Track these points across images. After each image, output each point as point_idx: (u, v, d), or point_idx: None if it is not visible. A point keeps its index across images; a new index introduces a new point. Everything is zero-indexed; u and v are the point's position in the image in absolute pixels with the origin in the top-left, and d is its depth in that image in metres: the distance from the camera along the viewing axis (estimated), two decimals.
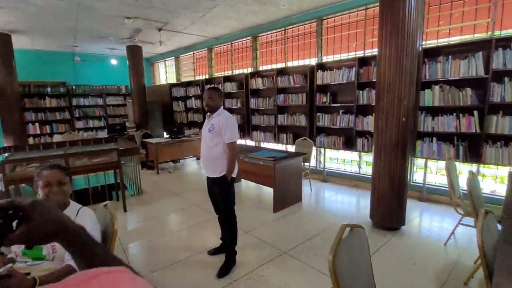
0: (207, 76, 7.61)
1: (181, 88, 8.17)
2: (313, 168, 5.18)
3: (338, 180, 4.91)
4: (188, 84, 7.93)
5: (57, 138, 6.96)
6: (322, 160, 5.19)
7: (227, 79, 6.61)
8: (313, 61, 5.15)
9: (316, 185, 4.79)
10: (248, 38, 6.36)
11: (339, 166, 5.27)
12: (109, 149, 3.89)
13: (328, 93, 4.67)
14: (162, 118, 8.29)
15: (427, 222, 3.40)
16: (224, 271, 2.33)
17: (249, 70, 6.34)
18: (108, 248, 1.52)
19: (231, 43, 6.83)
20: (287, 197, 3.75)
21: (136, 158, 4.84)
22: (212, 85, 2.50)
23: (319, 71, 4.72)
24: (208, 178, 2.46)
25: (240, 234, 2.91)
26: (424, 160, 3.92)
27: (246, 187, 4.78)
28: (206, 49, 7.53)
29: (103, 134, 7.86)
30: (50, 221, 0.50)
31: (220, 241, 2.68)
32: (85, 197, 4.21)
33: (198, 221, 3.39)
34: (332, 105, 4.66)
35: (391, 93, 2.82)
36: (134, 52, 7.24)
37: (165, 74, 9.65)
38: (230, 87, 6.48)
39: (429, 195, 3.93)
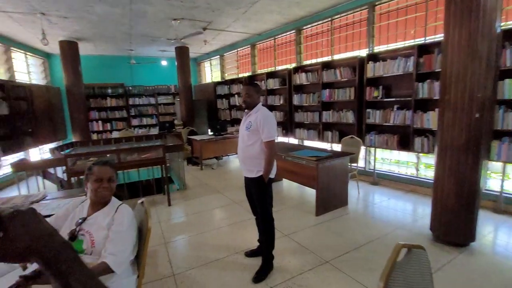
0: (250, 73, 7.59)
1: (225, 86, 8.30)
2: (362, 169, 4.76)
3: (391, 183, 4.42)
4: (232, 81, 8.01)
5: (115, 134, 7.66)
6: (372, 160, 4.74)
7: (270, 75, 6.48)
8: (363, 52, 4.71)
9: (365, 188, 4.39)
10: (292, 32, 6.13)
11: (391, 168, 4.76)
12: (155, 145, 4.08)
13: (380, 87, 4.22)
14: (207, 116, 8.55)
15: (503, 239, 2.83)
16: (260, 275, 2.22)
17: (293, 65, 6.11)
18: (141, 248, 1.52)
19: (274, 38, 6.67)
20: (331, 200, 3.48)
21: (182, 154, 5.02)
22: (251, 81, 2.37)
23: (369, 62, 4.29)
24: (244, 177, 2.37)
25: (279, 236, 2.78)
26: (501, 164, 3.27)
27: (287, 187, 4.60)
28: (249, 46, 7.50)
29: (155, 131, 8.43)
30: (29, 235, 0.43)
31: (258, 244, 2.57)
32: (136, 190, 4.52)
33: (238, 220, 3.34)
34: (385, 100, 4.20)
35: (461, 84, 2.37)
36: (181, 52, 7.56)
37: (210, 72, 9.93)
38: (272, 84, 6.34)
39: (507, 205, 3.28)
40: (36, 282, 1.05)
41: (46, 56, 7.76)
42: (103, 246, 1.35)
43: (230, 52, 8.48)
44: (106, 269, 1.27)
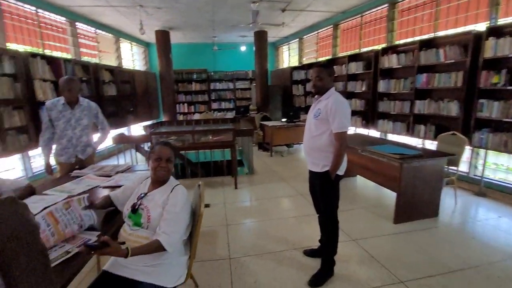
0: (330, 57, 7.00)
1: (301, 71, 7.94)
2: (464, 174, 3.85)
3: (504, 197, 3.42)
4: (309, 66, 7.58)
5: (196, 116, 8.35)
6: (479, 165, 3.77)
7: (353, 58, 5.81)
8: (481, 26, 3.66)
9: (465, 198, 3.53)
10: (384, 6, 5.27)
11: (508, 177, 3.67)
12: (226, 128, 4.19)
13: (503, 71, 3.20)
14: (282, 102, 8.41)
15: None
16: (317, 280, 2.00)
17: (381, 46, 5.29)
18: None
19: (361, 15, 5.90)
20: (416, 207, 2.90)
21: (252, 139, 5.05)
22: (322, 63, 2.06)
23: (490, 39, 3.28)
24: (309, 171, 2.14)
25: (344, 240, 2.48)
26: None
27: (362, 184, 4.11)
28: (331, 26, 6.88)
29: (231, 115, 8.82)
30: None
31: (319, 244, 2.34)
32: (207, 169, 4.81)
33: (301, 214, 3.15)
34: (508, 88, 3.18)
35: None
36: (260, 37, 7.53)
37: (288, 57, 9.66)
38: (355, 68, 5.68)
39: None
40: (98, 252, 1.13)
41: (146, 45, 8.94)
42: (158, 223, 1.39)
43: (309, 35, 8.01)
44: (159, 247, 1.29)
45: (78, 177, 2.35)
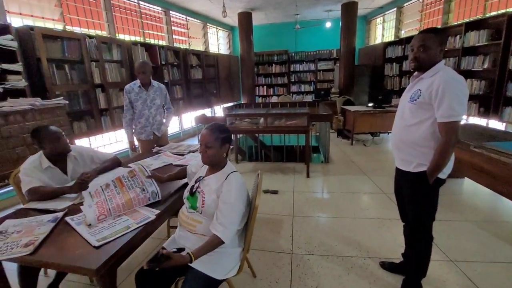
0: (439, 27, 5.65)
1: (398, 47, 6.75)
2: None
3: None
4: (408, 40, 6.34)
5: (274, 99, 8.25)
6: None
7: (473, 26, 4.50)
8: None
9: None
10: None
11: None
12: (300, 112, 3.90)
13: None
14: (369, 84, 7.44)
15: None
16: None
17: None
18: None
19: None
20: None
21: (330, 125, 4.62)
22: (431, 28, 1.52)
23: None
24: (396, 168, 1.70)
25: (439, 259, 1.97)
26: None
27: (471, 190, 3.23)
28: None
29: (310, 98, 8.38)
30: None
31: (402, 259, 1.91)
32: (280, 154, 4.68)
33: (382, 216, 2.68)
34: None
35: None
36: (348, 9, 6.69)
37: (381, 31, 8.36)
38: (474, 39, 4.41)
39: None
40: (163, 266, 1.07)
41: (230, 29, 9.20)
42: (211, 210, 1.32)
43: (411, 2, 6.64)
44: (219, 242, 1.25)
45: (157, 153, 2.56)
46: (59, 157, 1.79)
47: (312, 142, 5.24)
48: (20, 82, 2.99)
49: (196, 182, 1.46)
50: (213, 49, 8.27)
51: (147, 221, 1.33)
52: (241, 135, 5.15)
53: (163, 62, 5.24)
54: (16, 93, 2.96)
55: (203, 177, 1.46)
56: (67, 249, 1.15)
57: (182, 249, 1.18)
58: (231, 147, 2.56)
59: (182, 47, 6.15)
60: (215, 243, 1.25)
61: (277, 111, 4.52)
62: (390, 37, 7.76)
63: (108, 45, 4.15)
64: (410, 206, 1.60)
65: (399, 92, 6.58)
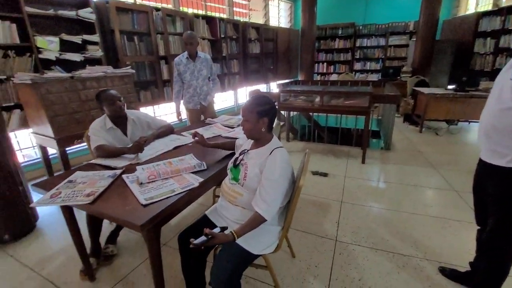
0: None
1: (496, 18, 5.50)
2: None
3: None
4: (511, 10, 5.09)
5: (334, 77, 7.69)
6: None
7: None
8: None
9: None
10: None
11: None
12: (361, 92, 3.52)
13: None
14: (452, 63, 6.33)
15: None
16: None
17: None
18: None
19: None
20: None
21: (395, 108, 4.11)
22: None
23: None
24: (481, 161, 1.39)
25: None
26: None
27: None
28: None
29: (376, 77, 7.57)
30: None
31: (468, 268, 1.62)
32: (335, 136, 4.40)
33: (449, 216, 2.32)
34: None
35: None
36: None
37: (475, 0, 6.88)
38: None
39: None
40: (208, 245, 1.09)
41: (293, 0, 8.67)
42: (253, 184, 1.29)
43: None
44: (261, 220, 1.22)
45: (209, 124, 2.62)
46: (119, 120, 1.95)
47: (372, 126, 4.79)
48: (97, 52, 3.33)
49: (240, 154, 1.43)
50: (273, 22, 7.97)
51: (191, 188, 1.36)
52: (294, 113, 4.98)
53: (222, 36, 5.26)
54: (94, 62, 3.31)
55: (248, 150, 1.42)
56: (120, 203, 1.25)
57: (225, 228, 1.18)
58: (282, 123, 2.44)
59: (241, 20, 6.06)
60: (257, 221, 1.21)
61: (335, 89, 4.17)
62: (486, 6, 6.35)
63: (172, 17, 4.30)
64: (495, 208, 1.30)
65: (491, 74, 5.44)
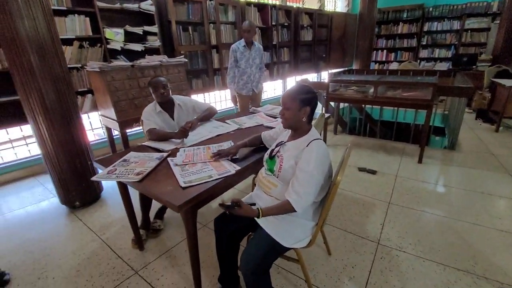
0: None
1: None
2: None
3: None
4: None
5: (393, 66, 6.99)
6: None
7: None
8: None
9: None
10: None
11: None
12: (424, 82, 3.13)
13: None
14: None
15: None
16: None
17: None
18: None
19: None
20: None
21: (467, 102, 3.58)
22: None
23: None
24: None
25: None
26: None
27: None
28: None
29: (444, 66, 6.66)
30: None
31: None
32: (389, 130, 4.05)
33: None
34: None
35: None
36: None
37: None
38: None
39: None
40: (232, 212, 1.17)
41: None
42: (288, 175, 1.26)
43: None
44: (290, 209, 1.20)
45: (253, 113, 2.63)
46: (166, 105, 2.11)
47: (436, 121, 4.27)
48: (155, 42, 3.58)
49: (277, 146, 1.41)
50: (329, 7, 7.53)
51: (227, 175, 1.40)
52: (344, 104, 4.71)
53: (273, 23, 5.17)
54: (152, 51, 3.57)
55: (285, 142, 1.39)
56: (162, 184, 1.35)
57: (253, 204, 1.20)
58: (328, 115, 2.33)
59: (294, 6, 5.85)
60: (285, 208, 1.20)
61: (392, 79, 3.80)
62: None
63: (224, 6, 4.37)
64: None
65: None
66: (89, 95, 3.23)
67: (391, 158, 3.30)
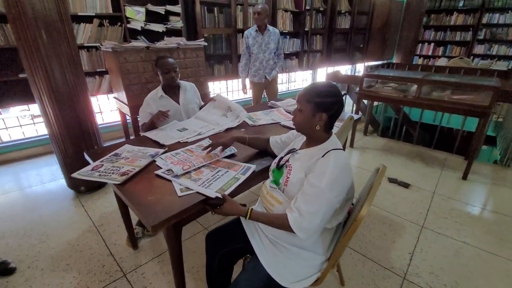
0: None
1: None
2: None
3: None
4: None
5: (441, 62, 6.20)
6: None
7: None
8: None
9: None
10: None
11: None
12: (483, 85, 2.60)
13: None
14: None
15: None
16: None
17: None
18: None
19: None
20: None
21: None
22: None
23: None
24: None
25: None
26: None
27: None
28: None
29: (502, 66, 5.77)
30: None
31: None
32: (430, 136, 3.54)
33: None
34: None
35: None
36: None
37: None
38: None
39: None
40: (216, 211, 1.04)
41: None
42: (294, 190, 1.00)
43: None
44: (285, 225, 0.94)
45: (271, 108, 2.35)
46: (171, 88, 1.96)
47: (476, 128, 3.68)
48: (178, 23, 3.36)
49: (286, 154, 1.13)
50: None
51: (251, 172, 1.26)
52: (378, 102, 4.22)
53: (307, 8, 4.72)
54: (174, 33, 3.37)
55: (297, 149, 1.11)
56: (149, 190, 1.14)
57: (244, 205, 1.05)
58: (358, 117, 1.98)
59: None
60: (280, 222, 0.96)
61: (441, 78, 3.27)
62: None
63: None
64: None
65: None
66: (107, 76, 3.13)
67: (428, 170, 2.85)
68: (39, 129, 3.31)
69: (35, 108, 3.21)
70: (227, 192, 1.09)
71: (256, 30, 3.09)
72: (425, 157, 3.17)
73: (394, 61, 6.49)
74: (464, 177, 2.67)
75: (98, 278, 1.59)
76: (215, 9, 3.69)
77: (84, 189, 2.39)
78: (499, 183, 2.63)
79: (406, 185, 2.52)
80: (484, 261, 1.71)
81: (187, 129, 1.80)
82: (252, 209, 1.02)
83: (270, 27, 3.14)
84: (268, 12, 3.17)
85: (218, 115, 1.97)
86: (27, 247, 1.83)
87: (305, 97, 1.01)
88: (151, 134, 1.72)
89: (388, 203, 2.27)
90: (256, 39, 3.11)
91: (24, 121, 3.27)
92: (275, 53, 3.24)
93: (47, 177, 2.72)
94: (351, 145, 3.43)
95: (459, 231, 1.96)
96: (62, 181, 2.59)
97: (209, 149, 1.37)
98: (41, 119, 3.28)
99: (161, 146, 1.57)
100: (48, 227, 2.02)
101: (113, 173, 1.26)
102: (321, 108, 0.97)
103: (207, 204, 1.04)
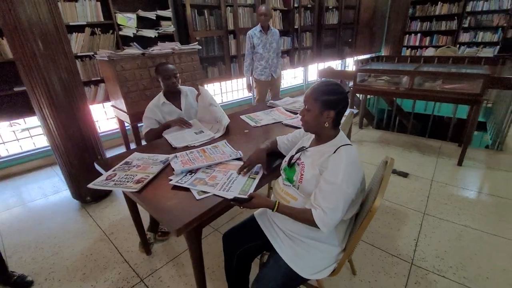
0: None
1: None
2: None
3: None
4: None
5: (429, 52, 6.33)
6: None
7: None
8: None
9: None
10: None
11: None
12: (471, 73, 2.70)
13: None
14: None
15: None
16: None
17: None
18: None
19: None
20: None
21: None
22: None
23: None
24: None
25: None
26: None
27: None
28: None
29: (488, 52, 5.94)
30: None
31: None
32: (423, 125, 3.64)
33: None
34: None
35: None
36: None
37: None
38: None
39: None
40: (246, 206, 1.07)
41: None
42: (309, 187, 1.05)
43: None
44: (310, 221, 0.98)
45: (270, 107, 2.39)
46: (172, 94, 1.99)
47: (467, 115, 3.80)
48: (169, 27, 3.37)
49: (297, 152, 1.18)
50: None
51: (262, 171, 1.31)
52: (371, 96, 4.31)
53: (295, 5, 4.77)
54: (167, 38, 3.37)
55: (307, 147, 1.16)
56: (166, 196, 1.17)
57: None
58: (357, 111, 2.02)
59: None
60: (305, 217, 0.99)
61: (431, 68, 3.36)
62: None
63: None
64: None
65: None
66: (102, 85, 3.12)
67: (425, 159, 2.94)
68: (36, 142, 3.28)
69: (29, 121, 3.18)
70: (249, 192, 1.14)
71: (260, 30, 3.20)
72: (420, 146, 3.26)
73: (382, 54, 6.60)
74: (459, 163, 2.77)
75: (116, 285, 1.61)
76: (205, 11, 3.71)
77: (90, 199, 2.39)
78: (493, 167, 2.74)
79: (405, 175, 2.61)
80: (485, 242, 1.79)
81: (203, 132, 1.83)
82: (279, 201, 1.06)
83: (271, 27, 3.29)
84: (272, 13, 3.33)
85: (191, 133, 1.83)
86: (41, 259, 1.83)
87: (312, 97, 1.05)
88: (167, 135, 1.77)
89: (390, 193, 2.34)
90: (261, 39, 3.22)
91: (21, 135, 3.23)
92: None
93: (49, 189, 2.70)
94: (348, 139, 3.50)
95: (459, 215, 2.05)
96: (65, 193, 2.58)
97: (245, 170, 1.28)
98: (35, 132, 3.27)
99: (170, 150, 1.59)
100: (58, 238, 2.02)
101: (127, 181, 1.28)
102: (328, 106, 1.02)
103: (234, 201, 1.06)
